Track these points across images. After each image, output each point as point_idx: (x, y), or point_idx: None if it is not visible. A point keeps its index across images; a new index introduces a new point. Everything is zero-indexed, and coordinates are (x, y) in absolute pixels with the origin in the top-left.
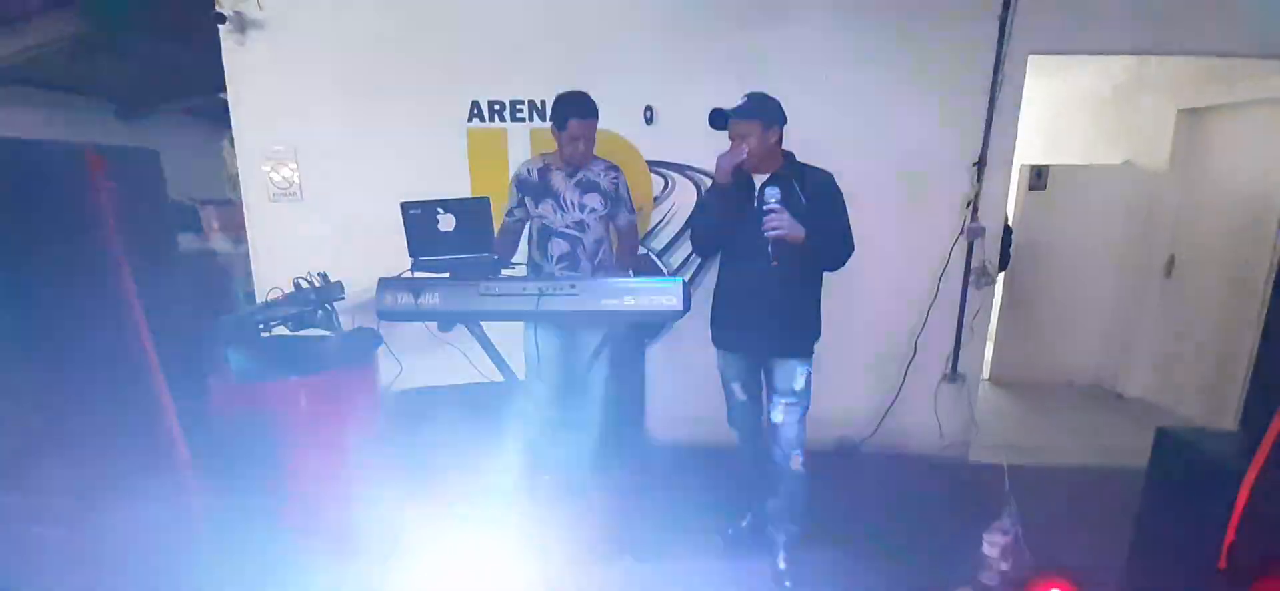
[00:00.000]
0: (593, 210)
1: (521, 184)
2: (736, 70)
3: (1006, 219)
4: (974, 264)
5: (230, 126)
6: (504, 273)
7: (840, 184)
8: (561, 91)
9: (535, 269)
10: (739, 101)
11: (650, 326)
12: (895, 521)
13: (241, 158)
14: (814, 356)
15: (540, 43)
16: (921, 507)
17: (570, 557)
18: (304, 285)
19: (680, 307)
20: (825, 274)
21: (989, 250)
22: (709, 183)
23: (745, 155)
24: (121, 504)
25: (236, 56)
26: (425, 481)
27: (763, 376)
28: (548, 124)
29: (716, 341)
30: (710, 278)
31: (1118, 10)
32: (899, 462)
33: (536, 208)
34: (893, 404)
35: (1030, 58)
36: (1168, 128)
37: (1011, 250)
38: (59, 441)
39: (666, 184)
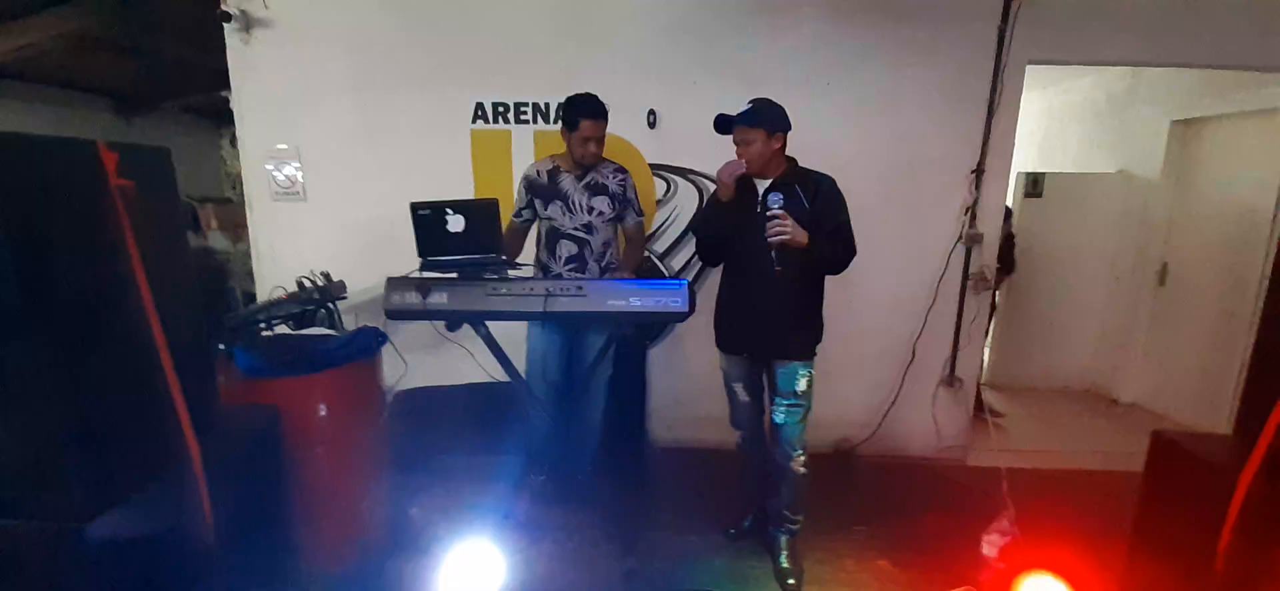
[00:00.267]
0: (601, 213)
1: (531, 185)
2: (738, 75)
3: (1010, 224)
4: (972, 270)
5: (229, 125)
6: (510, 273)
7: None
8: (571, 94)
9: (543, 270)
10: (744, 107)
11: (652, 328)
12: (895, 522)
13: (245, 157)
14: (815, 359)
15: (544, 45)
16: (920, 509)
17: (574, 556)
18: (307, 284)
19: (685, 310)
20: (826, 277)
21: (987, 256)
22: (712, 187)
23: (745, 167)
24: (137, 499)
25: (241, 55)
26: (429, 479)
27: (765, 378)
28: (555, 126)
29: (720, 344)
30: (712, 280)
31: (1114, 22)
32: (897, 465)
33: (545, 209)
34: (891, 407)
35: (1028, 67)
36: (1161, 137)
37: (1016, 255)
38: (78, 441)
39: (669, 187)
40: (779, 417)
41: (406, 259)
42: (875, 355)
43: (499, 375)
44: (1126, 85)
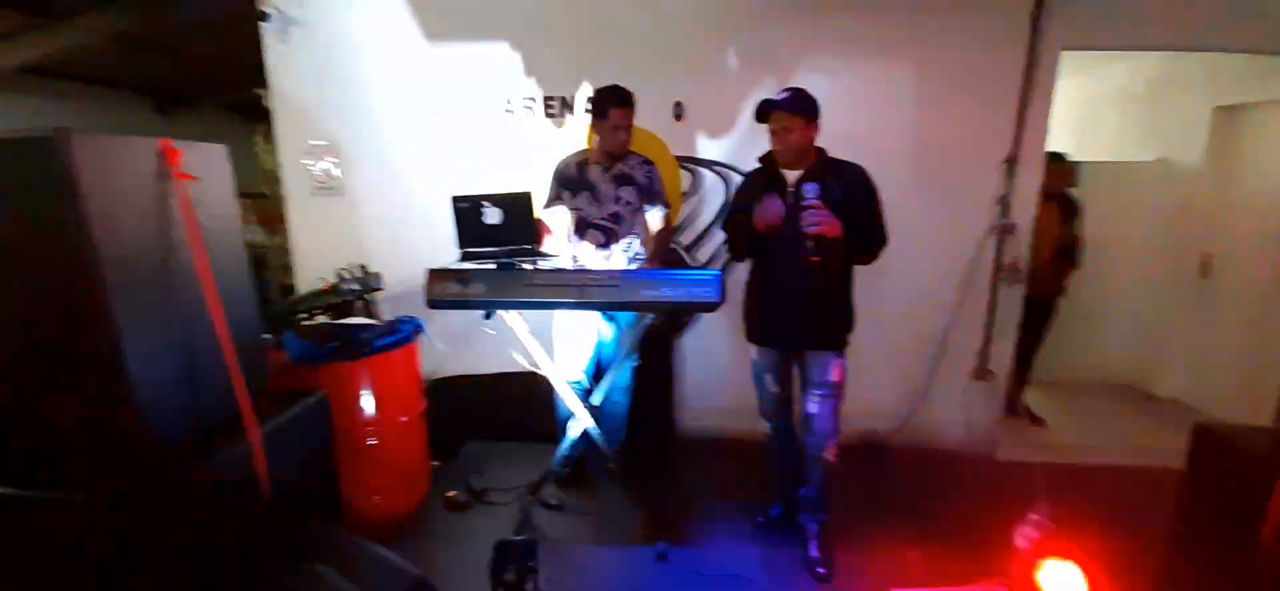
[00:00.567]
0: (628, 203)
1: (560, 178)
2: (764, 66)
3: (1077, 222)
4: (1004, 261)
5: (262, 121)
6: (542, 263)
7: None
8: (599, 87)
9: (572, 259)
10: (780, 95)
11: (679, 318)
12: (925, 514)
13: (282, 153)
14: (848, 348)
15: (571, 40)
16: (951, 502)
17: (605, 538)
18: (345, 276)
19: (716, 300)
20: (856, 267)
21: (1019, 248)
22: (738, 178)
23: (783, 215)
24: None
25: (278, 53)
26: (463, 464)
27: (796, 368)
28: (582, 118)
29: (750, 335)
30: (738, 271)
31: (1153, 5)
32: (927, 458)
33: (573, 200)
34: (921, 399)
35: (1063, 52)
36: (1203, 124)
37: (1081, 254)
38: (151, 414)
39: (694, 179)
40: (812, 407)
41: (438, 251)
42: (904, 346)
43: (533, 365)
44: (1166, 70)
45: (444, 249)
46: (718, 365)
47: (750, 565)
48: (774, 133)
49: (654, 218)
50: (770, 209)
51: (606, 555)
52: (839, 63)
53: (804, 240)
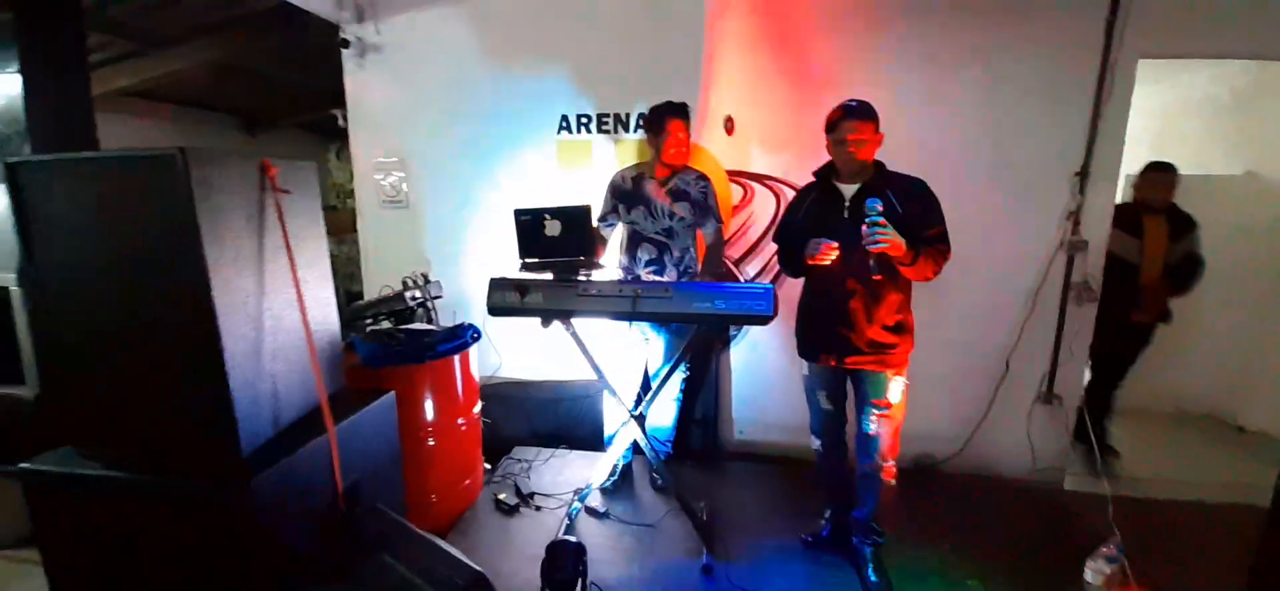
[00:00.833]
0: (681, 218)
1: (616, 191)
2: (818, 78)
3: (1193, 238)
4: (1074, 279)
5: (335, 140)
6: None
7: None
8: (654, 103)
9: (624, 272)
10: (849, 104)
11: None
12: (985, 542)
13: (357, 168)
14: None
15: (623, 59)
16: (1013, 531)
17: (651, 548)
18: (410, 284)
19: (769, 313)
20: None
21: (1091, 266)
22: (790, 194)
23: (837, 253)
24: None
25: (355, 77)
26: (513, 468)
27: (852, 387)
28: (634, 135)
29: (803, 351)
30: (789, 284)
31: (1238, 11)
32: (986, 485)
33: (629, 213)
34: (981, 423)
35: (1139, 62)
36: None
37: (1197, 276)
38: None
39: (745, 193)
40: (870, 427)
41: (494, 261)
42: (964, 367)
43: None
44: (1252, 78)
45: (500, 258)
46: (765, 379)
47: (798, 584)
48: (842, 143)
49: (707, 232)
50: (822, 249)
51: (652, 565)
52: (896, 73)
53: (867, 258)
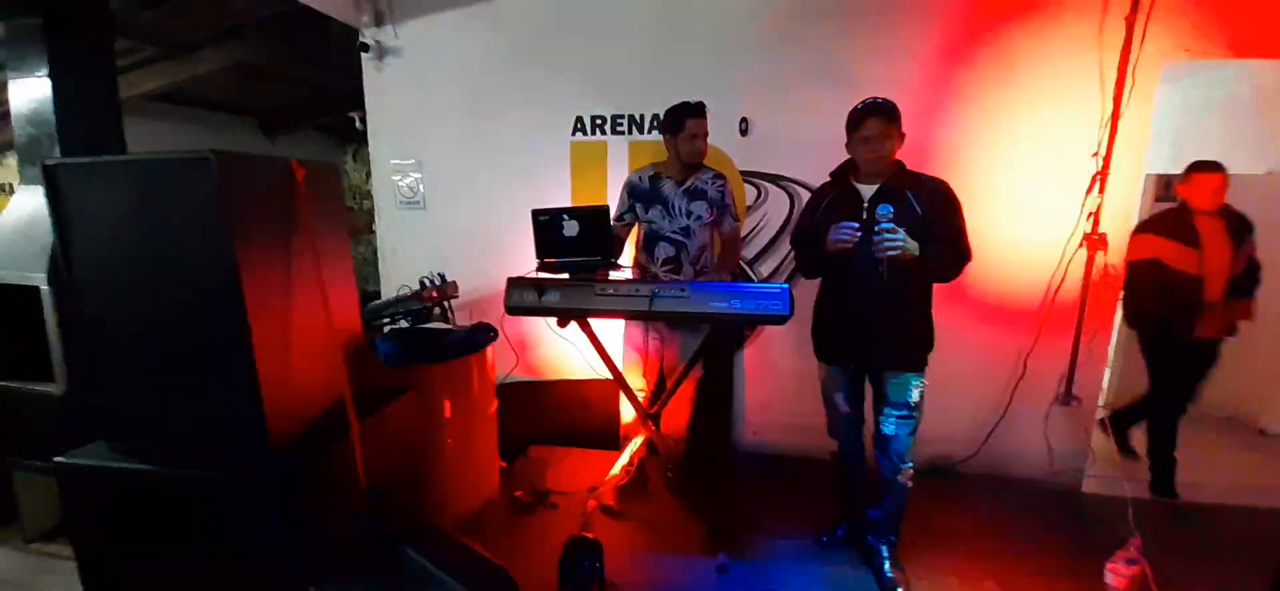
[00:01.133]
0: (699, 217)
1: (633, 191)
2: (833, 79)
3: (1252, 246)
4: (1093, 280)
5: (352, 142)
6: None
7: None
8: (671, 104)
9: (640, 271)
10: (871, 102)
11: (741, 331)
12: (1002, 544)
13: (375, 169)
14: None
15: (639, 60)
16: (1030, 533)
17: (663, 549)
18: (427, 284)
19: (785, 313)
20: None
21: (1112, 267)
22: (804, 195)
23: (857, 238)
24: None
25: (374, 80)
26: (529, 466)
27: (870, 388)
28: (649, 136)
29: (820, 353)
30: (804, 283)
31: (1261, 10)
32: (1003, 486)
33: (646, 212)
34: (998, 424)
35: (1161, 60)
36: None
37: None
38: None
39: (759, 193)
40: (889, 429)
41: (510, 261)
42: (980, 368)
43: (602, 372)
44: (1276, 77)
45: (515, 259)
46: (779, 379)
47: (815, 583)
48: (865, 141)
49: (724, 231)
50: (843, 233)
51: (666, 563)
52: (912, 74)
53: (878, 263)
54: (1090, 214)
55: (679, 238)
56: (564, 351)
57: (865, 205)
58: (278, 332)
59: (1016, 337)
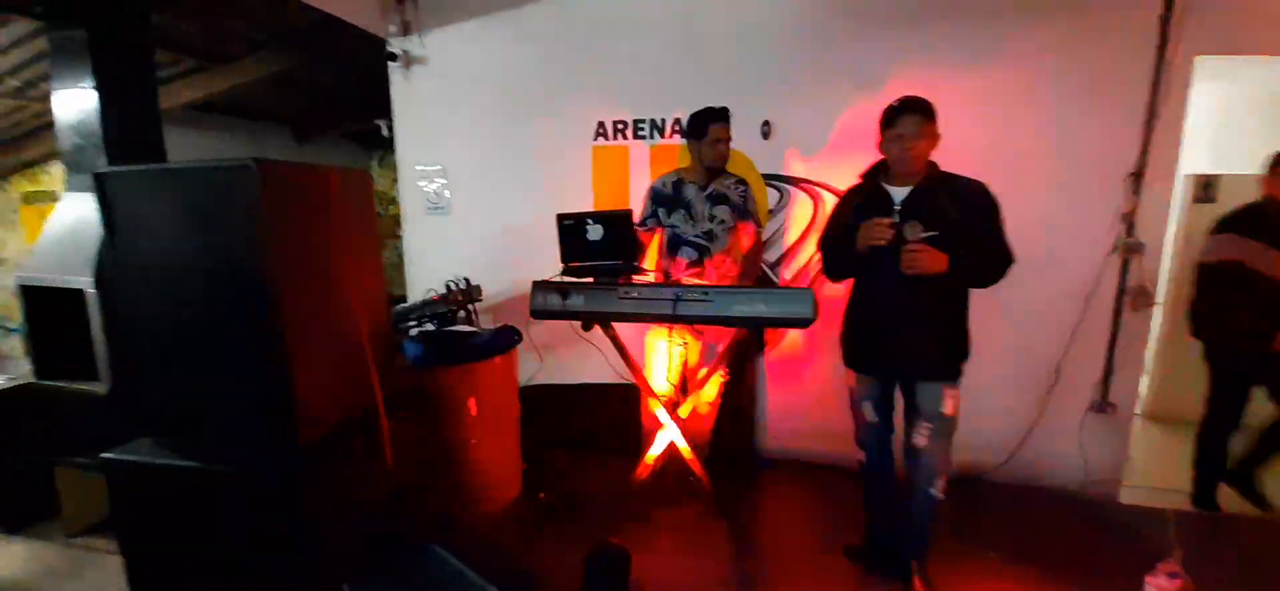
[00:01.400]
0: (722, 221)
1: (656, 196)
2: (854, 79)
3: None
4: (1130, 284)
5: (378, 148)
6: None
7: None
8: (694, 110)
9: (664, 276)
10: (910, 98)
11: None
12: (1035, 555)
13: (402, 175)
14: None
15: (660, 65)
16: (1065, 544)
17: (686, 554)
18: (453, 288)
19: (811, 317)
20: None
21: (1147, 270)
22: (827, 198)
23: (892, 235)
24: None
25: (402, 88)
26: (552, 469)
27: (901, 398)
28: (671, 140)
29: (849, 361)
30: (827, 290)
31: None
32: (1036, 496)
33: (669, 217)
34: (1030, 433)
35: (1196, 59)
36: None
37: None
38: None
39: (781, 196)
40: (920, 441)
41: (534, 266)
42: (1011, 374)
43: (625, 375)
44: None
45: (537, 262)
46: (802, 386)
47: None
48: (899, 140)
49: (746, 235)
50: (876, 229)
51: (691, 568)
52: (937, 74)
53: (904, 277)
54: (1124, 216)
55: (702, 242)
56: (588, 355)
57: (897, 208)
58: (313, 333)
59: (1048, 342)
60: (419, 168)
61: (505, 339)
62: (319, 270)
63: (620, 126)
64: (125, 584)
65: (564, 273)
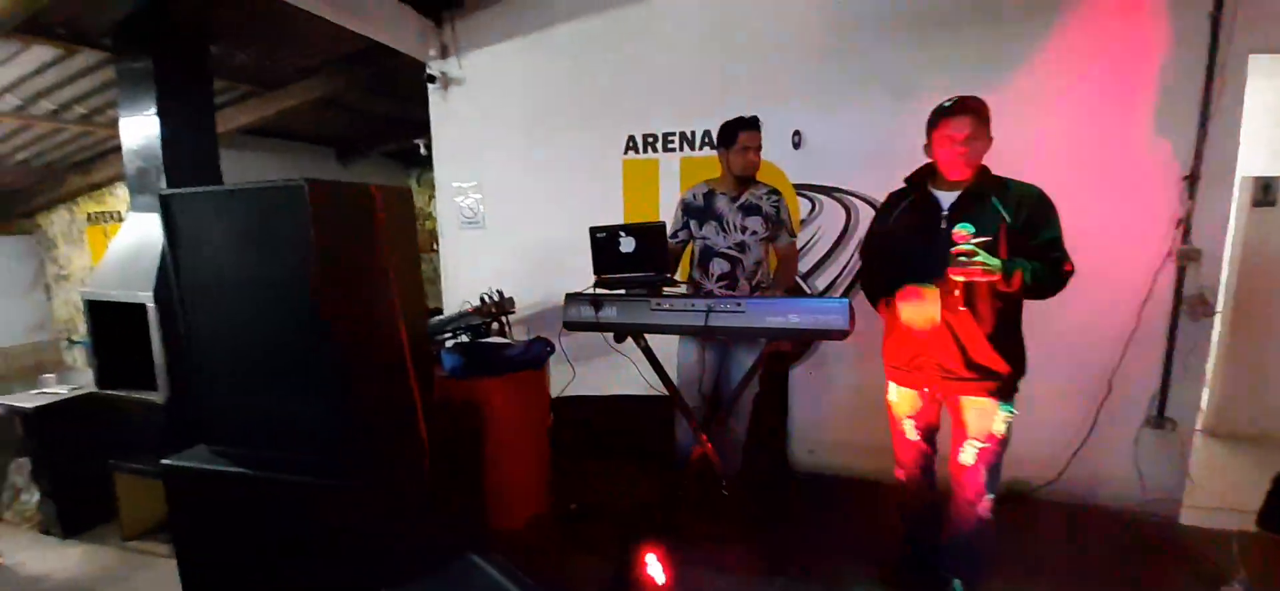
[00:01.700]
0: (754, 232)
1: (687, 208)
2: (886, 86)
3: None
4: (1186, 292)
5: (416, 166)
6: (669, 290)
7: None
8: (725, 119)
9: (695, 287)
10: (955, 99)
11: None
12: (1087, 576)
13: (439, 192)
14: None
15: (690, 78)
16: (1118, 565)
17: (718, 567)
18: (487, 300)
19: (845, 328)
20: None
21: (1205, 278)
22: (859, 206)
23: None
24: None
25: (440, 108)
26: (583, 479)
27: (949, 415)
28: (702, 152)
29: (894, 376)
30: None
31: None
32: (1089, 515)
33: (700, 229)
34: (1081, 447)
35: (1250, 57)
36: None
37: None
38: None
39: (814, 207)
40: (967, 458)
41: (565, 278)
42: (1060, 388)
43: (657, 387)
44: None
45: (569, 275)
46: (835, 397)
47: None
48: (951, 141)
49: (780, 245)
50: (911, 293)
51: (724, 583)
52: (975, 79)
53: (953, 287)
54: (1179, 222)
55: (734, 253)
56: (620, 367)
57: (945, 214)
58: (360, 344)
59: (1100, 353)
60: (455, 184)
61: (538, 350)
62: (365, 283)
63: (650, 140)
64: (179, 585)
65: (596, 285)
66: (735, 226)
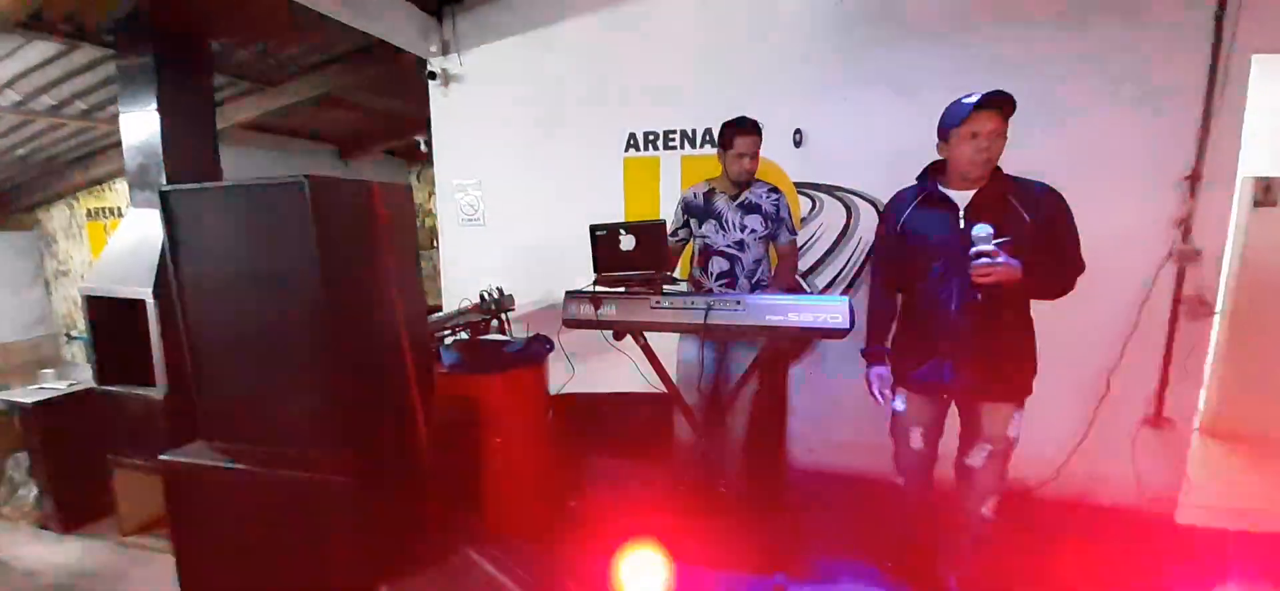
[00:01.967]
0: (753, 231)
1: (687, 206)
2: (889, 84)
3: None
4: (1186, 293)
5: (416, 164)
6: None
7: None
8: (725, 119)
9: (695, 285)
10: (985, 94)
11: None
12: (1083, 575)
13: (439, 189)
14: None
15: (691, 75)
16: (1114, 565)
17: (717, 565)
18: (487, 297)
19: (846, 326)
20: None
21: (1205, 278)
22: (860, 205)
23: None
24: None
25: (440, 106)
26: (582, 478)
27: (958, 418)
28: (702, 151)
29: (901, 379)
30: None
31: None
32: (1085, 514)
33: (700, 227)
34: (1078, 447)
35: (1253, 57)
36: None
37: None
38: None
39: (815, 205)
40: (976, 461)
41: (565, 276)
42: (1057, 386)
43: (656, 385)
44: None
45: (569, 273)
46: (834, 396)
47: None
48: (975, 137)
49: (781, 243)
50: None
51: (723, 580)
52: (977, 78)
53: (973, 289)
54: (1179, 222)
55: (733, 251)
56: (619, 364)
57: (961, 215)
58: (360, 340)
59: (1099, 352)
60: (455, 181)
61: (537, 348)
62: (365, 279)
63: (651, 138)
64: (175, 580)
65: (596, 282)
66: (735, 225)
